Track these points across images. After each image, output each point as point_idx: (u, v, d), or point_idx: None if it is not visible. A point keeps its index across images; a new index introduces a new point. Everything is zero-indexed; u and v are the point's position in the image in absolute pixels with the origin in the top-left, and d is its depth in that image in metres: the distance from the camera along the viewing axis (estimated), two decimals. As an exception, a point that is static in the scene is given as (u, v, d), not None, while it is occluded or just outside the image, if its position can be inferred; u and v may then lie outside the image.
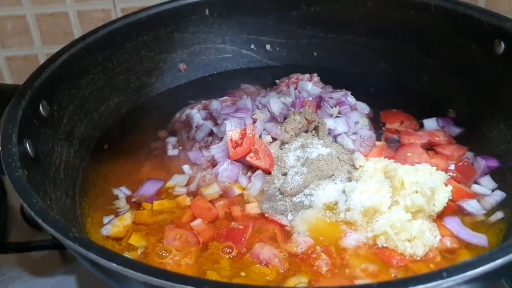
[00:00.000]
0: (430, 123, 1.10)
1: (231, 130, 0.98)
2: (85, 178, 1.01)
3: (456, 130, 1.09)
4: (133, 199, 0.97)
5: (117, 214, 0.94)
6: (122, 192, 0.98)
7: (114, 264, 0.58)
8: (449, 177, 0.94)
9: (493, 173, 0.98)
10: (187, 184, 0.99)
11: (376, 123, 1.12)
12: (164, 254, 0.84)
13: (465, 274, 0.54)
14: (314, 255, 0.81)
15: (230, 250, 0.84)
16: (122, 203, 0.95)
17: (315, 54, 1.32)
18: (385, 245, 0.84)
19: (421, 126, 1.11)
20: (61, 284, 1.07)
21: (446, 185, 0.91)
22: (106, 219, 0.93)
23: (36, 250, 1.11)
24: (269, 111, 1.05)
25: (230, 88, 1.26)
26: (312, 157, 0.96)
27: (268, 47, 1.33)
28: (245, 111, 1.05)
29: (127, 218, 0.92)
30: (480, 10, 1.08)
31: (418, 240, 0.82)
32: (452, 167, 0.99)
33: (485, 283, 0.61)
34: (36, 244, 1.11)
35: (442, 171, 0.96)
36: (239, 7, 1.28)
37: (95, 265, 0.66)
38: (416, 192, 0.86)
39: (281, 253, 0.83)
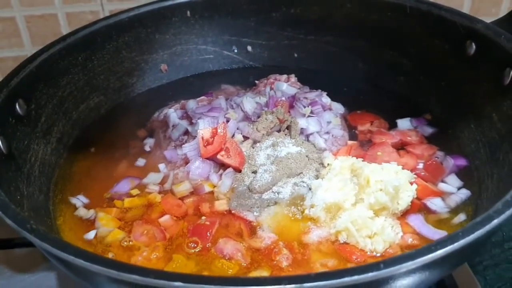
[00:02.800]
0: (404, 123, 1.12)
1: (203, 128, 1.00)
2: (60, 175, 1.03)
3: (428, 130, 1.10)
4: (107, 196, 0.99)
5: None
6: (79, 200, 0.98)
7: (66, 254, 0.60)
8: (415, 176, 0.95)
9: (461, 172, 1.00)
10: (162, 183, 1.01)
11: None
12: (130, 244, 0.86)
13: (402, 265, 0.55)
14: (276, 250, 0.83)
15: (195, 245, 0.86)
16: (82, 212, 0.95)
17: (295, 55, 1.34)
18: (346, 241, 0.85)
19: (394, 125, 1.12)
20: (41, 280, 1.09)
21: (411, 184, 0.92)
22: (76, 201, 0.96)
23: (18, 247, 1.14)
24: (242, 110, 1.07)
25: (211, 89, 1.27)
26: (281, 156, 0.97)
27: (249, 48, 1.35)
28: (218, 111, 1.07)
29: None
30: (453, 12, 1.09)
31: (379, 236, 0.84)
32: (421, 166, 1.00)
33: (431, 273, 0.63)
34: (19, 242, 1.14)
35: (411, 169, 0.98)
36: (221, 8, 1.30)
37: (52, 257, 0.68)
38: (381, 190, 0.88)
39: (244, 248, 0.84)
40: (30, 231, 0.64)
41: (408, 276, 0.60)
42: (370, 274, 0.55)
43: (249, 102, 1.08)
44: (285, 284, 0.53)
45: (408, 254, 0.57)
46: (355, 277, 0.54)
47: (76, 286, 1.07)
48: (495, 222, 0.60)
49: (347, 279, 0.54)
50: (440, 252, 0.56)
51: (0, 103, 0.91)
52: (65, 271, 0.73)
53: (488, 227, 0.59)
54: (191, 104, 1.13)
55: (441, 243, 0.57)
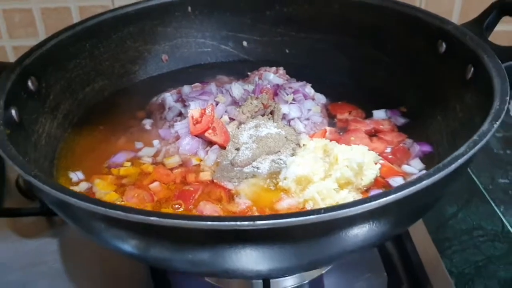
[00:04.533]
0: (379, 114, 1.22)
1: (193, 109, 1.11)
2: (64, 146, 1.14)
3: (401, 120, 1.20)
4: (105, 165, 1.10)
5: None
6: (76, 176, 1.07)
7: (68, 197, 0.71)
8: (380, 157, 1.06)
9: (425, 157, 1.09)
10: (155, 156, 1.12)
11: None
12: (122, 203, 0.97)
13: (341, 212, 0.66)
14: (249, 213, 0.93)
15: (179, 207, 0.97)
16: (77, 187, 1.04)
17: (287, 51, 1.44)
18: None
19: (371, 116, 1.22)
20: (46, 245, 1.20)
21: (376, 164, 1.03)
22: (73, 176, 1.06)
23: (26, 215, 1.26)
24: (230, 95, 1.18)
25: (208, 79, 1.38)
26: (261, 135, 1.08)
27: (244, 43, 1.46)
28: (208, 95, 1.18)
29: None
30: (427, 13, 1.19)
31: (342, 206, 0.94)
32: (389, 150, 1.11)
33: (377, 225, 0.73)
34: (26, 211, 1.26)
35: (380, 153, 1.08)
36: (219, 6, 1.41)
37: (52, 202, 0.79)
38: (346, 166, 0.98)
39: (221, 210, 0.95)
40: (34, 176, 0.75)
41: (353, 225, 0.70)
42: (313, 216, 0.65)
43: (237, 88, 1.19)
44: (240, 221, 0.64)
45: (346, 204, 0.67)
46: (300, 218, 0.64)
47: (74, 249, 1.18)
48: (424, 183, 0.70)
49: (292, 219, 0.64)
50: (373, 203, 0.67)
51: (15, 78, 1.02)
52: (63, 216, 0.84)
53: (417, 186, 0.69)
54: (186, 89, 1.25)
55: (375, 196, 0.67)
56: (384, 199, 0.67)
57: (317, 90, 1.28)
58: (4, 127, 0.90)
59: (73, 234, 1.21)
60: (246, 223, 0.64)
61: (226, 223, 0.64)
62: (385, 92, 1.29)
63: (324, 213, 0.65)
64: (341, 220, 0.67)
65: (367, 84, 1.32)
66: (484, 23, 1.16)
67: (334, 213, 0.65)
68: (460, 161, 0.74)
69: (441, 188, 0.80)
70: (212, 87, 1.22)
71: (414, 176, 1.03)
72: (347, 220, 0.68)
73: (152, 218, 0.66)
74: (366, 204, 0.66)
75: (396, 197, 0.67)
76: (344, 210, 0.66)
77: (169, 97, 1.23)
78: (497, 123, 0.84)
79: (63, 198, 0.71)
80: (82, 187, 1.04)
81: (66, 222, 0.88)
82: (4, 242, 1.22)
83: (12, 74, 1.03)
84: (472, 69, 1.05)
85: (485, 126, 0.83)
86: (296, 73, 1.36)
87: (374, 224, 0.73)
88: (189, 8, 1.40)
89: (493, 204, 1.35)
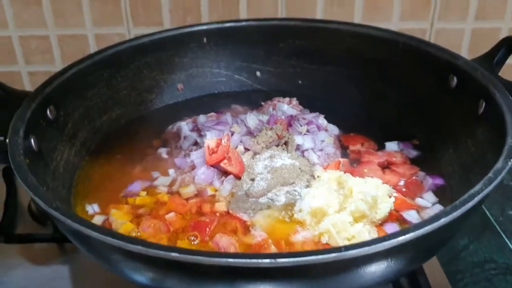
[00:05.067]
0: (392, 146, 1.23)
1: (209, 139, 1.13)
2: (81, 174, 1.16)
3: (413, 153, 1.21)
4: (121, 194, 1.11)
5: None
6: (92, 209, 1.08)
7: (89, 230, 0.72)
8: (393, 190, 1.07)
9: (438, 190, 1.10)
10: (170, 185, 1.13)
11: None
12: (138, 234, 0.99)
13: (360, 250, 0.67)
14: (265, 246, 0.94)
15: (195, 238, 0.98)
16: (94, 219, 1.05)
17: (299, 82, 1.47)
18: (328, 242, 0.96)
19: (383, 148, 1.24)
20: (57, 272, 1.19)
21: (390, 196, 1.04)
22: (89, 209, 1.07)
23: (38, 242, 1.26)
24: (245, 126, 1.20)
25: (222, 108, 1.40)
26: (276, 166, 1.10)
27: (258, 73, 1.49)
28: (224, 125, 1.20)
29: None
30: (438, 48, 1.22)
31: (356, 239, 0.95)
32: (402, 183, 1.12)
33: (394, 262, 0.73)
34: (38, 237, 1.26)
35: (393, 186, 1.09)
36: (234, 37, 1.44)
37: (74, 234, 0.81)
38: (361, 200, 0.99)
39: (237, 243, 0.96)
40: (55, 209, 0.77)
41: (371, 262, 0.71)
42: (333, 254, 0.66)
43: (252, 119, 1.21)
44: (262, 258, 0.65)
45: (365, 242, 0.68)
46: (320, 256, 0.65)
47: (86, 276, 1.19)
48: (442, 221, 0.71)
49: (313, 257, 0.65)
50: (392, 242, 0.68)
51: (35, 107, 1.05)
52: (82, 248, 0.85)
53: (435, 224, 0.70)
54: (202, 118, 1.27)
55: (393, 235, 0.68)
56: (403, 237, 0.68)
57: (329, 121, 1.30)
58: (24, 157, 0.92)
59: (85, 261, 1.21)
60: (267, 260, 0.65)
61: (248, 260, 0.65)
62: (397, 124, 1.31)
63: (344, 251, 0.66)
64: (361, 258, 0.68)
65: (379, 116, 1.34)
66: (494, 58, 1.18)
67: (355, 251, 0.66)
68: (477, 198, 0.75)
69: (457, 225, 0.81)
70: (228, 117, 1.24)
71: (428, 210, 1.04)
72: (367, 257, 0.69)
73: (173, 254, 0.67)
74: (386, 242, 0.67)
75: (415, 235, 0.69)
76: (365, 248, 0.67)
77: (184, 126, 1.25)
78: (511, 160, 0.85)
79: (84, 232, 0.72)
80: (97, 220, 1.05)
81: (81, 250, 0.89)
82: (16, 269, 1.22)
83: (32, 103, 1.05)
84: (484, 104, 1.06)
85: (499, 164, 0.85)
86: (308, 103, 1.38)
87: (392, 261, 0.74)
88: (205, 39, 1.43)
89: (504, 237, 1.36)
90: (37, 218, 1.33)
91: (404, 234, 0.68)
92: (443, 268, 1.22)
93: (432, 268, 1.19)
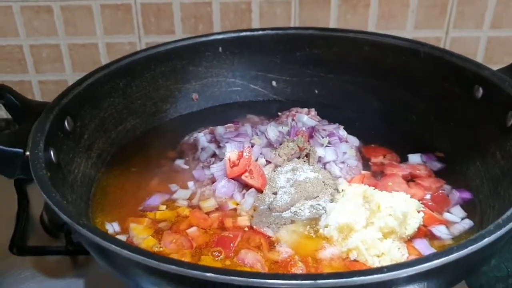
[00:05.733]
0: (414, 158, 1.21)
1: (230, 151, 1.10)
2: (98, 186, 1.14)
3: (437, 165, 1.19)
4: (140, 208, 1.09)
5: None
6: (112, 228, 1.05)
7: (118, 248, 0.69)
8: (422, 205, 1.04)
9: (466, 204, 1.08)
10: (190, 199, 1.11)
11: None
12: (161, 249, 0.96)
13: (402, 271, 0.64)
14: (292, 263, 0.91)
15: (219, 254, 0.95)
16: None
17: (316, 91, 1.44)
18: (356, 258, 0.94)
19: (406, 160, 1.21)
20: (70, 285, 1.17)
21: (418, 212, 1.01)
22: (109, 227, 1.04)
23: (50, 254, 1.24)
24: (266, 137, 1.18)
25: (237, 118, 1.38)
26: (300, 179, 1.07)
27: (274, 83, 1.46)
28: (244, 136, 1.17)
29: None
30: (463, 59, 1.19)
31: (386, 256, 0.92)
32: (428, 196, 1.09)
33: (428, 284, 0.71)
34: (51, 249, 1.24)
35: (419, 199, 1.06)
36: (250, 46, 1.42)
37: (101, 251, 0.78)
38: (390, 215, 0.96)
39: (263, 259, 0.93)
40: (82, 226, 0.74)
41: (408, 284, 0.68)
42: (376, 276, 0.63)
43: (272, 131, 1.18)
44: (301, 279, 0.62)
45: (407, 262, 0.65)
46: (362, 278, 0.63)
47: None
48: (486, 240, 0.68)
49: (355, 279, 0.62)
50: (436, 262, 0.65)
51: (53, 119, 1.02)
52: (106, 265, 0.82)
53: (480, 244, 0.67)
54: (220, 130, 1.24)
55: (437, 255, 0.66)
56: (447, 257, 0.66)
57: (348, 132, 1.27)
58: (46, 170, 0.89)
59: (98, 274, 1.18)
60: (308, 282, 0.62)
61: (287, 281, 0.62)
62: (418, 135, 1.28)
63: (387, 272, 0.63)
64: (403, 278, 0.65)
65: (399, 127, 1.31)
66: (521, 69, 1.16)
67: (398, 272, 0.64)
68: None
69: (498, 245, 0.78)
70: (248, 128, 1.22)
71: (457, 225, 1.02)
72: (407, 278, 0.66)
73: (208, 274, 0.64)
74: (429, 263, 0.65)
75: (459, 255, 0.66)
76: (409, 269, 0.64)
77: (202, 138, 1.22)
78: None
79: (114, 250, 0.69)
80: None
81: (100, 264, 0.86)
82: (28, 282, 1.20)
83: (51, 114, 1.03)
84: (514, 116, 1.04)
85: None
86: (326, 114, 1.35)
87: (428, 283, 0.71)
88: (220, 49, 1.40)
89: (525, 250, 1.33)
90: (49, 230, 1.30)
91: (449, 254, 0.65)
92: (467, 283, 1.19)
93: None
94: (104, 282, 1.16)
